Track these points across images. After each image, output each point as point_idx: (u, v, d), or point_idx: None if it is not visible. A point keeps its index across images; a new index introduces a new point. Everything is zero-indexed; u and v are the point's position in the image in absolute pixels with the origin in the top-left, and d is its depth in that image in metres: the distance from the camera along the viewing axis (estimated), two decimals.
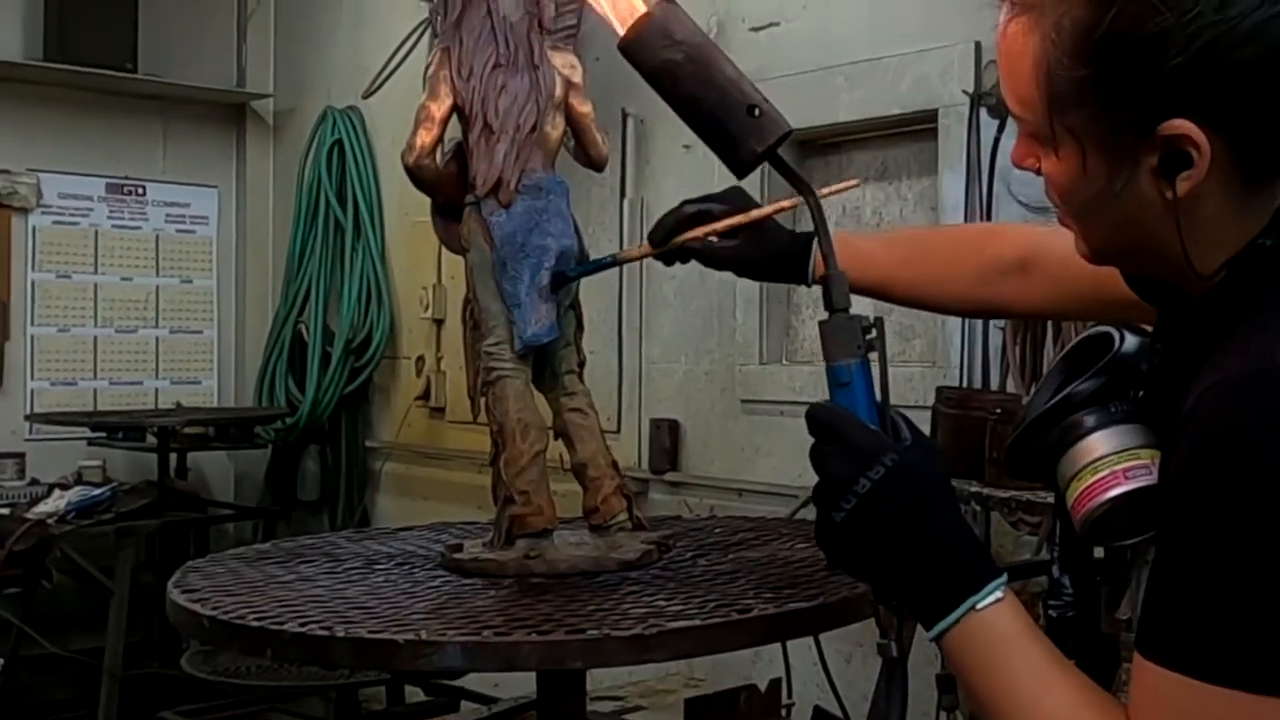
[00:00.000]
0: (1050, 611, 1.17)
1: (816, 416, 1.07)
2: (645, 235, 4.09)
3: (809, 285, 1.59)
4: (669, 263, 1.62)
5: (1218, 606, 0.88)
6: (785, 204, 1.58)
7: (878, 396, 1.09)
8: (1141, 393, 1.07)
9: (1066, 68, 0.97)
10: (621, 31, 1.21)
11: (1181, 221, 0.97)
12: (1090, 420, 1.05)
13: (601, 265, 1.72)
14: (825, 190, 1.65)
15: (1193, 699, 0.89)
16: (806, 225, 1.60)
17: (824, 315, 1.12)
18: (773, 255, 1.58)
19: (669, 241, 1.56)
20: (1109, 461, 1.03)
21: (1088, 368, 1.08)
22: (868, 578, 1.07)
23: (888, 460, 1.02)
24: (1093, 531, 1.05)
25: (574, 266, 1.67)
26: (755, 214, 1.55)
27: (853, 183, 1.71)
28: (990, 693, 1.00)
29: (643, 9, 1.19)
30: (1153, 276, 1.07)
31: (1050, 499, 2.25)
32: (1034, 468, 1.11)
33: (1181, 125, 0.94)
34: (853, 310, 1.12)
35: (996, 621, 1.00)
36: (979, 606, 1.00)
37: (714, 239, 1.55)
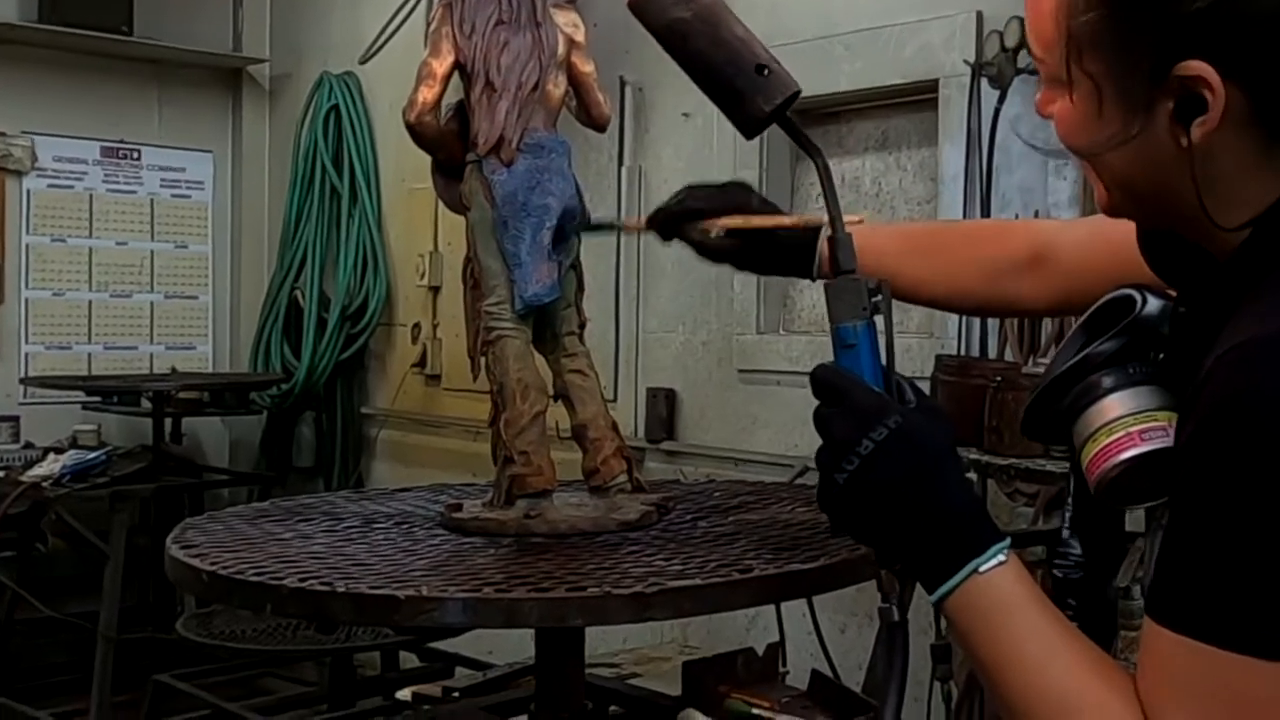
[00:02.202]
0: (1056, 572, 1.16)
1: (820, 377, 1.05)
2: (643, 204, 4.08)
3: (813, 280, 1.57)
4: (666, 239, 1.62)
5: (1228, 572, 0.88)
6: (786, 220, 1.56)
7: (883, 359, 1.07)
8: (1162, 355, 1.06)
9: (1085, 8, 0.97)
10: None
11: (1198, 171, 0.96)
12: (1108, 381, 1.04)
13: (604, 227, 1.71)
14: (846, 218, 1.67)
15: (1202, 663, 0.89)
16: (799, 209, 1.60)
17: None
18: (775, 252, 1.57)
19: (667, 231, 1.58)
20: (1125, 423, 1.02)
21: (1109, 330, 1.07)
22: (870, 540, 1.06)
23: (891, 421, 1.00)
24: (1107, 493, 1.04)
25: (581, 223, 1.67)
26: (755, 222, 1.54)
27: (858, 218, 1.70)
28: (993, 657, 0.99)
29: None
30: (1170, 229, 1.06)
31: (1048, 466, 2.26)
32: (1051, 429, 1.09)
33: (1196, 66, 0.93)
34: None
35: (1000, 585, 0.99)
36: (982, 569, 0.99)
37: (711, 235, 1.55)
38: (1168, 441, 1.00)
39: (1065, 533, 1.15)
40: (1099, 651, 0.99)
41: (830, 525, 1.06)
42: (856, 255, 1.11)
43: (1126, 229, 1.18)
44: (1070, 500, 1.19)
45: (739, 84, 1.14)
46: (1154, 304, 1.06)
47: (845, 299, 1.06)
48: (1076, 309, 1.42)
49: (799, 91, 1.19)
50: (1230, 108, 0.94)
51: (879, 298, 1.07)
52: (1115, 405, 1.03)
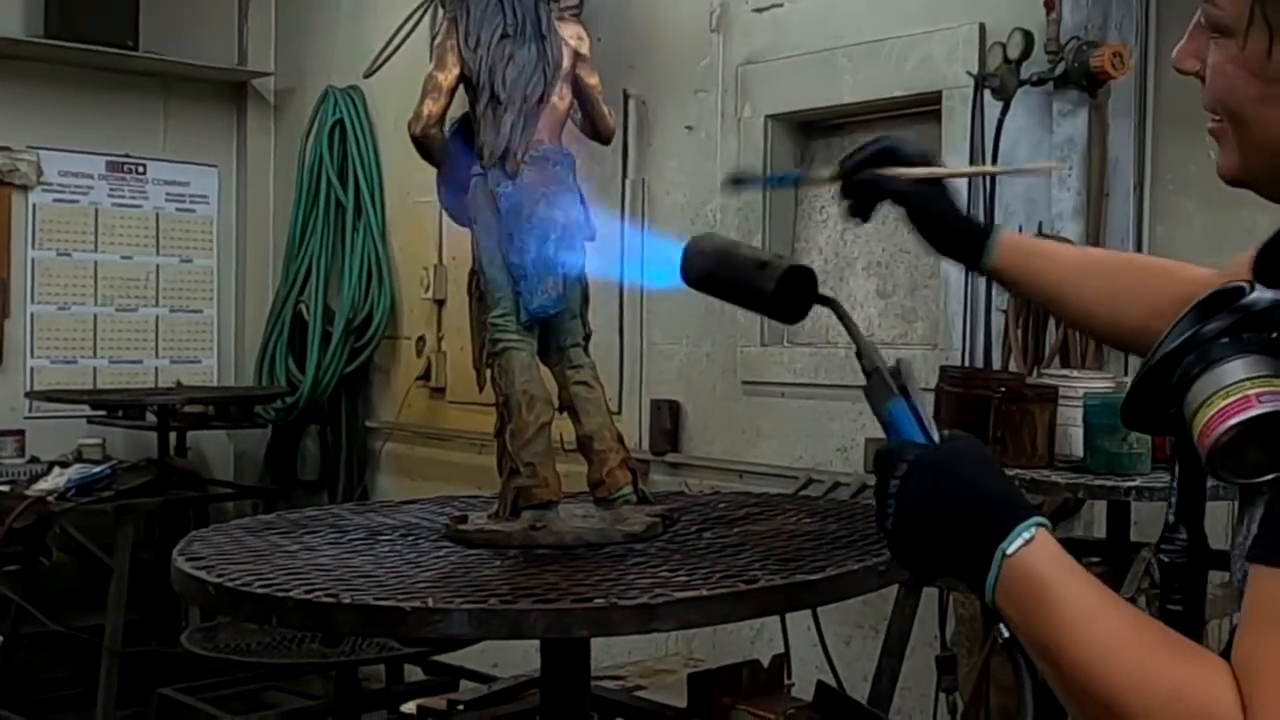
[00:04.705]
0: (1163, 557, 1.15)
1: (874, 457, 1.11)
2: (646, 216, 4.08)
3: (981, 273, 1.57)
4: (854, 207, 1.57)
5: None
6: (974, 170, 1.56)
7: (920, 420, 1.13)
8: (1276, 335, 1.03)
9: None
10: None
11: None
12: (1223, 348, 1.01)
13: (788, 180, 1.70)
14: (1028, 165, 1.68)
15: None
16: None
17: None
18: (950, 221, 1.54)
19: (860, 170, 1.53)
20: (1241, 386, 0.99)
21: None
22: (936, 570, 1.07)
23: (910, 456, 1.06)
24: (1220, 458, 1.00)
25: (760, 176, 1.67)
26: (946, 172, 1.54)
27: (1055, 164, 1.69)
28: (1051, 638, 0.96)
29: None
30: None
31: (1053, 477, 2.26)
32: (1157, 411, 1.07)
33: None
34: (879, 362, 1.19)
35: (1032, 564, 0.98)
36: (1009, 551, 0.98)
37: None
38: None
39: (1170, 518, 1.15)
40: (1151, 618, 0.98)
41: (913, 576, 1.12)
42: (879, 353, 1.18)
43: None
44: (1175, 485, 1.18)
45: (753, 283, 1.38)
46: (1265, 292, 1.03)
47: (878, 391, 1.17)
48: None
49: (796, 265, 1.37)
50: None
51: (901, 377, 1.17)
52: (1230, 371, 1.00)
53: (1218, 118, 1.07)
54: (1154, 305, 1.48)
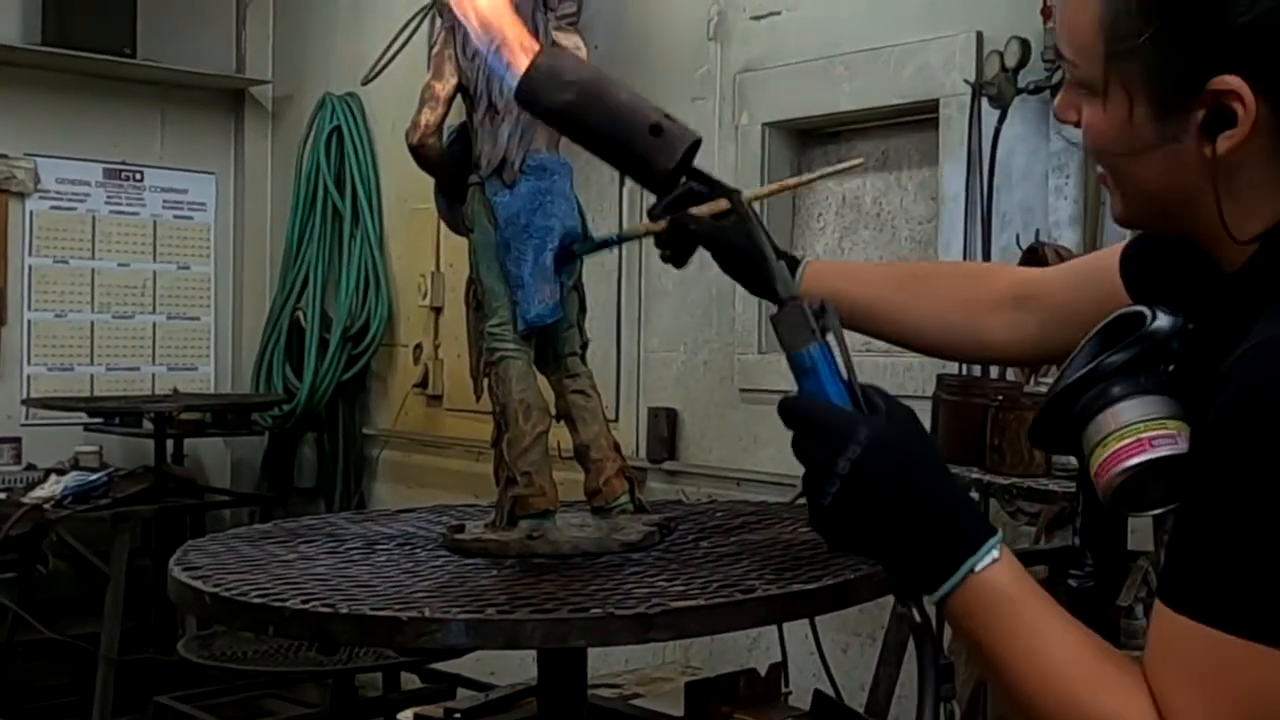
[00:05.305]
0: (1071, 582, 1.17)
1: (787, 408, 1.06)
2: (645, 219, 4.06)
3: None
4: (671, 255, 1.58)
5: (1244, 560, 0.89)
6: (776, 187, 1.57)
7: (844, 375, 1.07)
8: (1172, 367, 1.06)
9: (1129, 17, 0.98)
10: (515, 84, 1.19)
11: (1220, 182, 0.98)
12: (1119, 389, 1.04)
13: (607, 243, 1.70)
14: (829, 170, 1.65)
15: (1210, 647, 0.90)
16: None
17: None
18: (753, 255, 1.53)
19: (666, 215, 1.53)
20: (1135, 429, 1.02)
21: (1120, 343, 1.08)
22: (866, 553, 1.07)
23: (863, 437, 1.01)
24: (1115, 498, 1.04)
25: (580, 244, 1.67)
26: (752, 194, 1.52)
27: (855, 162, 1.69)
28: (1000, 653, 1.00)
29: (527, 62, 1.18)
30: (1181, 236, 1.07)
31: (1050, 486, 2.26)
32: (1060, 438, 1.10)
33: (1231, 81, 0.95)
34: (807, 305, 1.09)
35: (997, 582, 1.00)
36: (978, 569, 0.99)
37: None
38: (1177, 449, 1.01)
39: (1076, 542, 1.16)
40: (1097, 638, 1.00)
41: (828, 545, 1.09)
42: (795, 283, 1.12)
43: (1112, 264, 1.19)
44: (1079, 511, 1.20)
45: (638, 149, 1.15)
46: (1165, 319, 1.06)
47: (792, 326, 1.07)
48: (1052, 355, 1.42)
49: (698, 140, 1.19)
50: (1259, 123, 0.96)
51: (826, 317, 1.07)
52: (1125, 411, 1.03)
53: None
54: (975, 303, 1.49)
